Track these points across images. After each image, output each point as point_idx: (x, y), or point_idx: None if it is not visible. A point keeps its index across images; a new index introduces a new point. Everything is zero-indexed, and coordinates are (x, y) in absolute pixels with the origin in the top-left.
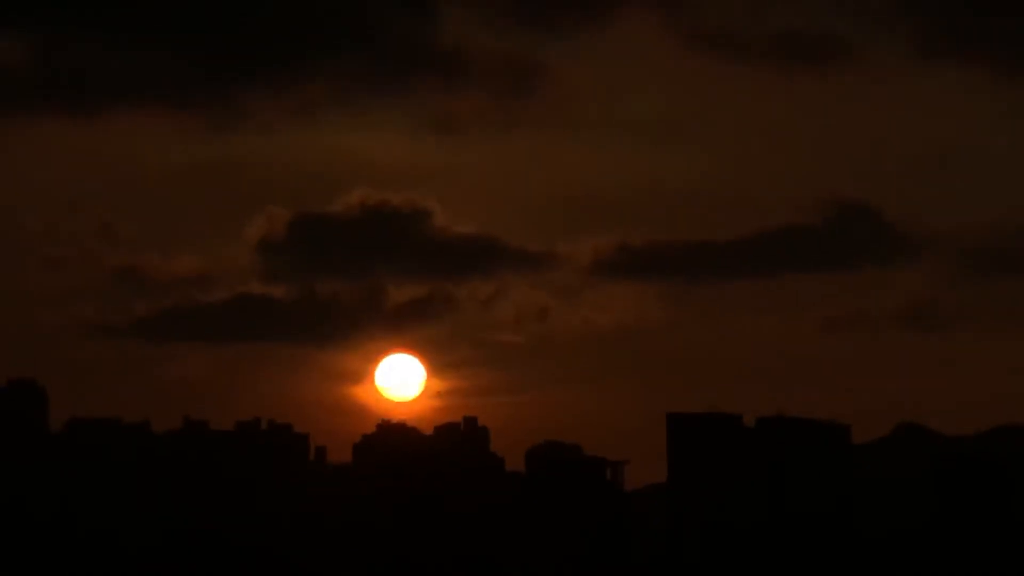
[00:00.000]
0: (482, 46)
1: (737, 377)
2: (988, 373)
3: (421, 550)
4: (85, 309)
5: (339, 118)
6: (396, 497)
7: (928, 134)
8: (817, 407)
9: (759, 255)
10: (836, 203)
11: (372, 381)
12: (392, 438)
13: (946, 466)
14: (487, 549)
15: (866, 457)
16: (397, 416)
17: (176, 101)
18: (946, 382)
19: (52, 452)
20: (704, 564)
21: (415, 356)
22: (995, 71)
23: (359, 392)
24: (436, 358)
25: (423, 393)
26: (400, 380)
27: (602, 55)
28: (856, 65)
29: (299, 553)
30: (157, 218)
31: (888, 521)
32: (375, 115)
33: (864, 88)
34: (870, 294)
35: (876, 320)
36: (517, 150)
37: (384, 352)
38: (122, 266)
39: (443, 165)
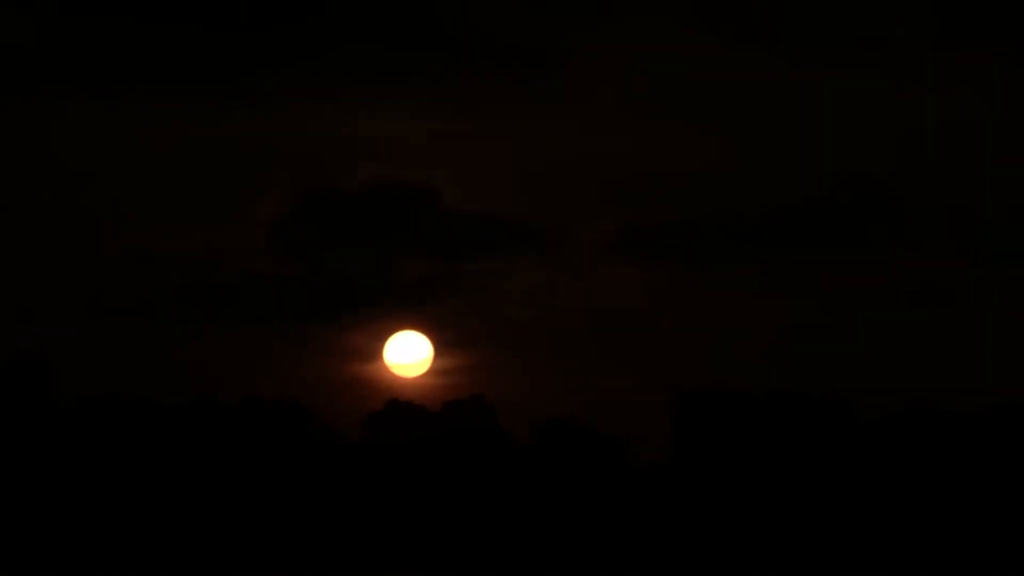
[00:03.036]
0: (493, 25)
1: (745, 355)
2: (999, 350)
3: (428, 525)
4: (93, 288)
5: (348, 96)
6: (404, 473)
7: (942, 112)
8: (826, 385)
9: (768, 234)
10: (846, 182)
11: (381, 359)
12: (400, 415)
13: (954, 441)
14: (492, 523)
15: (875, 434)
16: (405, 394)
17: (185, 79)
18: (957, 360)
19: (60, 426)
20: (709, 538)
21: (423, 334)
22: (1013, 49)
23: (368, 370)
24: (444, 336)
25: (430, 370)
26: (408, 358)
27: (613, 35)
28: (869, 45)
29: (306, 530)
30: (166, 196)
31: (894, 497)
32: (385, 93)
33: (876, 67)
34: (880, 272)
35: (887, 298)
36: (527, 129)
37: (393, 330)
38: (130, 244)
39: (452, 143)
